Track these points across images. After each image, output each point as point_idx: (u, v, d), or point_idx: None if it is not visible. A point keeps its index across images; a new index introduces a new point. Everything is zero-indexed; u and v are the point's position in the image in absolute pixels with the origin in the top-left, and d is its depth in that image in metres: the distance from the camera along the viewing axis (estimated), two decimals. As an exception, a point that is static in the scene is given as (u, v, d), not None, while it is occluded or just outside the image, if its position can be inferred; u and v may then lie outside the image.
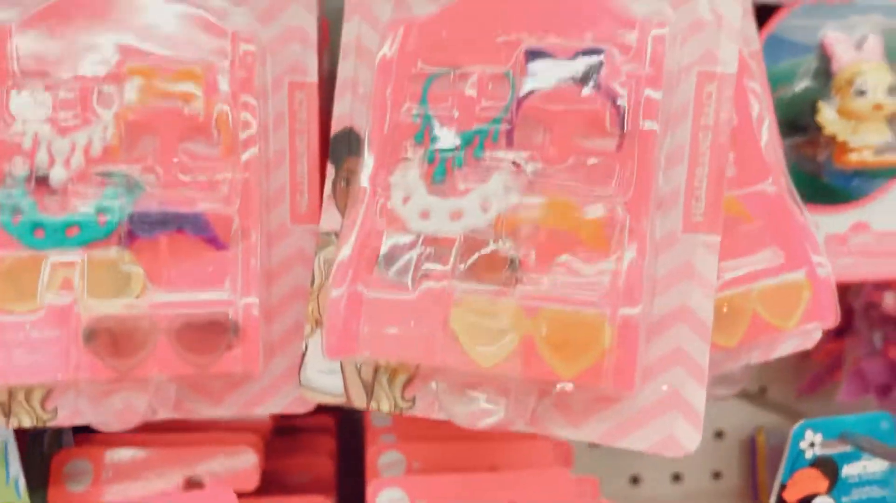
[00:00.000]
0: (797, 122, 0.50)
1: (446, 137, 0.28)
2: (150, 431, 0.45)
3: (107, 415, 0.30)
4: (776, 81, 0.50)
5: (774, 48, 0.49)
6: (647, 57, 0.28)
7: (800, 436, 0.49)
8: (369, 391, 0.29)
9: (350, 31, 0.31)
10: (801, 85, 0.50)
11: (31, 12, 0.29)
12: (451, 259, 0.28)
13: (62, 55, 0.29)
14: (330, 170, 0.31)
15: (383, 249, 0.28)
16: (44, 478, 0.42)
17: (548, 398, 0.29)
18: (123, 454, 0.41)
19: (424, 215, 0.28)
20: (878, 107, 0.47)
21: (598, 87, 0.28)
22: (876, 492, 0.52)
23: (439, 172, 0.28)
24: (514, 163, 0.28)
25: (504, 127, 0.28)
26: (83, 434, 0.45)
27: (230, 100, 0.31)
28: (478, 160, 0.28)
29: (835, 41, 0.49)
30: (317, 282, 0.30)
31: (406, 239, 0.28)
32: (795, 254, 0.35)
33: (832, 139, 0.49)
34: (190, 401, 0.33)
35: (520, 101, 0.28)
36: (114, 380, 0.29)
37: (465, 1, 0.29)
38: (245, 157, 0.30)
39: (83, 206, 0.29)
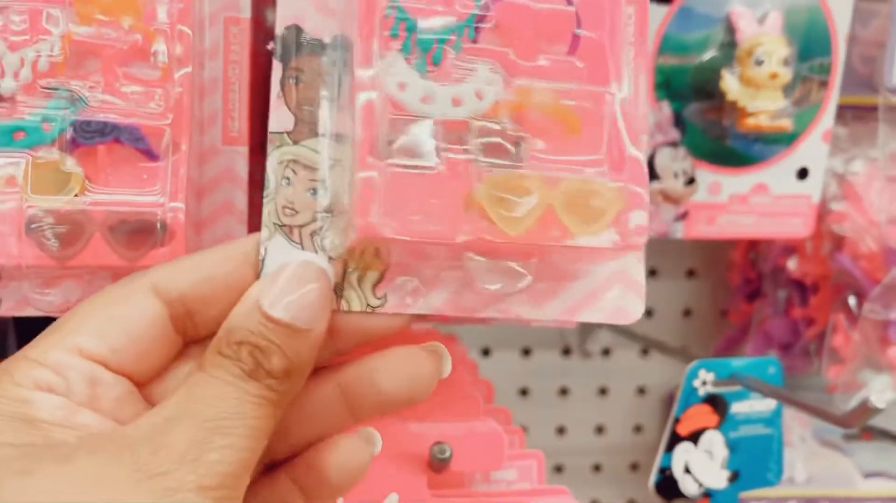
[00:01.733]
0: (705, 88, 0.55)
1: (423, 33, 0.29)
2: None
3: (47, 304, 0.34)
4: (687, 50, 0.54)
5: (685, 19, 0.53)
6: None
7: (693, 375, 0.54)
8: (338, 291, 0.29)
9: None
10: (709, 54, 0.54)
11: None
12: (465, 139, 0.28)
13: (14, -23, 0.32)
14: (277, 68, 0.30)
15: (394, 133, 0.28)
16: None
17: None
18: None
19: (426, 100, 0.29)
20: (773, 75, 0.52)
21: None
22: (762, 429, 0.57)
23: (420, 66, 0.29)
24: (490, 68, 0.29)
25: (477, 24, 0.29)
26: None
27: (167, 28, 0.34)
28: (457, 55, 0.29)
29: (739, 15, 0.53)
30: (272, 184, 0.29)
31: (415, 121, 0.28)
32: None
33: (734, 105, 0.54)
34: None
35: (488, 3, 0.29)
36: (54, 268, 0.33)
37: None
38: (178, 75, 0.34)
39: (30, 114, 0.33)
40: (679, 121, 0.55)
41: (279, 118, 0.30)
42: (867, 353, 0.60)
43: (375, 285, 0.29)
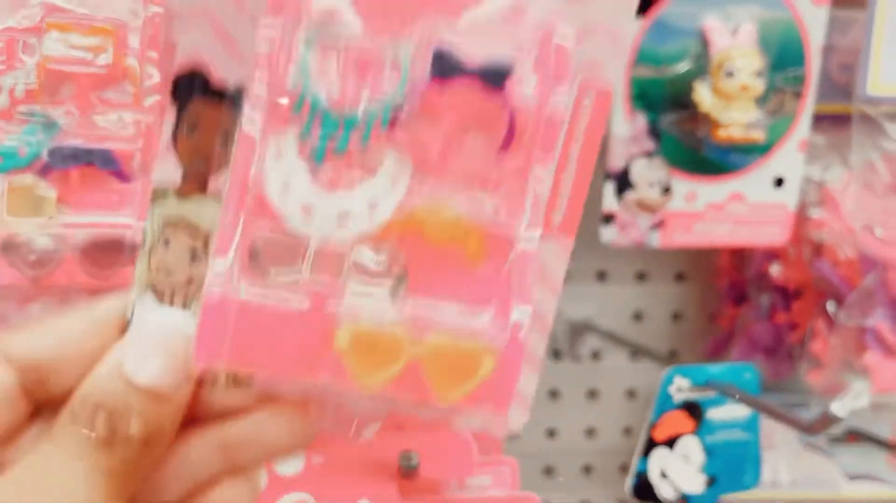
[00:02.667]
0: (679, 100, 0.56)
1: (329, 114, 0.25)
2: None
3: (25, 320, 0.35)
4: (661, 62, 0.55)
5: (660, 32, 0.54)
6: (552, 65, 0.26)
7: (669, 381, 0.55)
8: None
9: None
10: (683, 66, 0.55)
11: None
12: (339, 271, 0.26)
13: (-12, 8, 0.34)
14: (171, 112, 0.27)
15: (262, 250, 0.25)
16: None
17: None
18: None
19: (307, 212, 0.25)
20: (744, 87, 0.53)
21: (501, 94, 0.25)
22: (739, 434, 0.58)
23: (318, 155, 0.26)
24: (398, 161, 0.26)
25: (394, 113, 0.25)
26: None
27: (138, 54, 0.36)
28: (363, 148, 0.25)
29: (712, 28, 0.54)
30: (148, 242, 0.27)
31: (288, 241, 0.25)
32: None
33: (707, 116, 0.55)
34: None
35: (414, 88, 0.25)
36: (28, 288, 0.34)
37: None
38: (148, 102, 0.35)
39: (6, 140, 0.35)
40: (654, 131, 0.56)
41: (165, 170, 0.27)
42: (845, 358, 0.61)
43: None
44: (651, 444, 0.55)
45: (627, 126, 0.56)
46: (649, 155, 0.56)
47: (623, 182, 0.56)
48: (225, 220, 0.25)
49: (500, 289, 0.26)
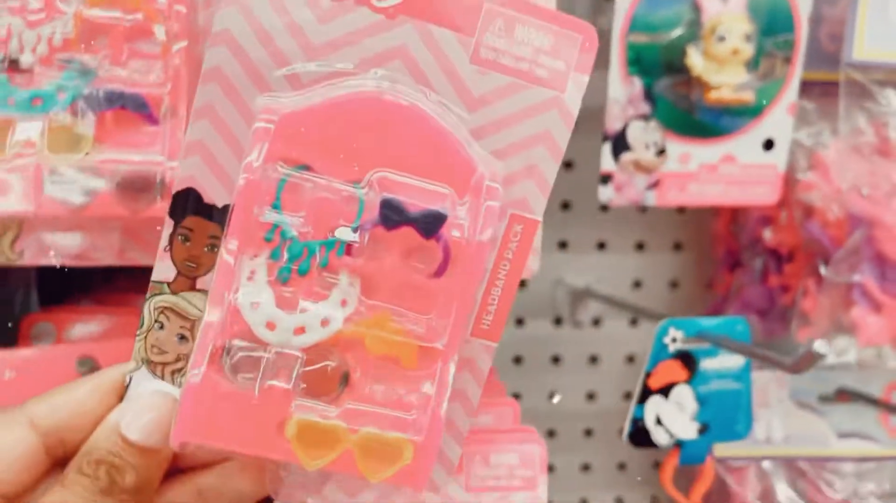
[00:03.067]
0: (673, 64, 0.58)
1: (295, 241, 0.31)
2: (109, 304, 0.53)
3: (64, 249, 0.39)
4: (656, 28, 0.58)
5: (653, 0, 0.57)
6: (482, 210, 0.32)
7: (664, 332, 0.58)
8: None
9: (204, 96, 0.32)
10: (677, 32, 0.58)
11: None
12: (292, 373, 0.31)
13: (32, -37, 0.37)
14: (168, 224, 0.32)
15: (230, 349, 0.31)
16: (13, 338, 0.50)
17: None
18: (84, 315, 0.50)
19: (270, 327, 0.31)
20: (735, 51, 0.56)
21: (436, 237, 0.32)
22: (731, 384, 0.60)
23: (284, 275, 0.31)
24: (350, 283, 0.32)
25: (348, 244, 0.31)
26: (47, 305, 0.53)
27: (166, 8, 0.39)
28: (321, 270, 0.31)
29: (705, -5, 0.57)
30: (146, 325, 0.33)
31: (252, 346, 0.31)
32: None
33: (699, 80, 0.57)
34: (131, 251, 0.41)
35: (365, 226, 0.32)
36: (67, 219, 0.37)
37: (337, 103, 0.31)
38: (175, 49, 0.38)
39: (46, 84, 0.38)
40: (650, 95, 0.59)
41: (162, 270, 0.33)
42: (832, 315, 0.63)
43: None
44: (647, 392, 0.57)
45: (623, 90, 0.58)
46: (645, 118, 0.59)
47: (620, 144, 0.59)
48: (204, 331, 0.31)
49: (427, 389, 0.32)
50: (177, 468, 0.33)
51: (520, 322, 0.84)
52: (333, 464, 0.32)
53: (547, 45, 0.33)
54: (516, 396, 0.85)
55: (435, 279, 0.32)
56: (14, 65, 0.37)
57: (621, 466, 0.88)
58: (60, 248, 0.38)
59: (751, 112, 0.59)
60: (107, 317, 0.49)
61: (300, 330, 0.31)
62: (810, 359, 0.47)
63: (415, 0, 0.32)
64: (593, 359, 0.86)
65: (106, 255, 0.40)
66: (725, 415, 0.60)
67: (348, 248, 0.32)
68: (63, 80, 0.38)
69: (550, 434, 0.86)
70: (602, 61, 0.58)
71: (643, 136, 0.59)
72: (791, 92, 0.59)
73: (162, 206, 0.37)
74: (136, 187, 0.37)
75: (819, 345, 0.46)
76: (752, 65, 0.57)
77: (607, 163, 0.59)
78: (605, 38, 0.58)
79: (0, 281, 0.52)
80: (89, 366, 0.45)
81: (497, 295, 0.35)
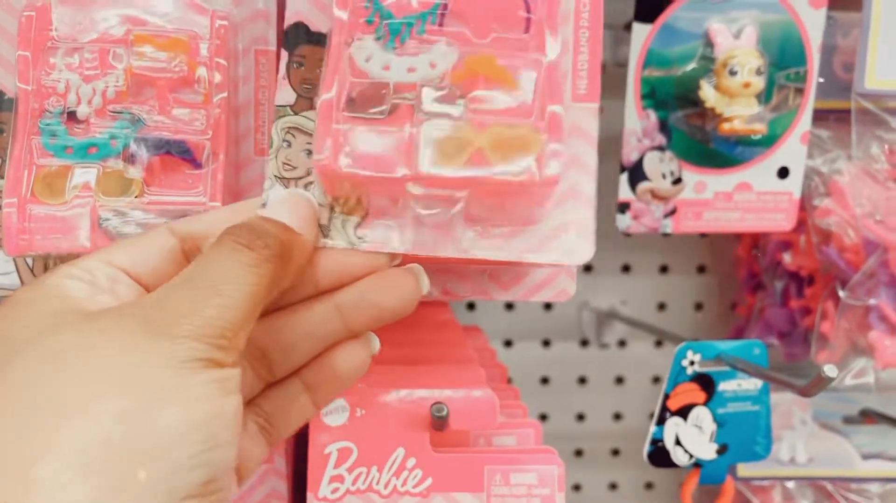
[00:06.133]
0: (688, 97, 0.61)
1: (394, 20, 0.35)
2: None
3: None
4: (670, 63, 0.61)
5: (667, 36, 0.60)
6: None
7: (682, 355, 0.60)
8: (325, 232, 0.35)
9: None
10: (691, 66, 0.60)
11: (66, -6, 0.41)
12: (414, 96, 0.35)
13: (86, 24, 0.41)
14: (284, 55, 0.37)
15: (355, 93, 0.35)
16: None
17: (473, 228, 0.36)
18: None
19: (386, 68, 0.35)
20: (746, 84, 0.58)
21: None
22: (749, 406, 0.62)
23: (389, 44, 0.35)
24: (447, 40, 0.35)
25: (440, 11, 0.35)
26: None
27: (208, 61, 0.42)
28: (420, 36, 0.35)
29: (717, 31, 0.59)
30: (275, 145, 0.36)
31: (373, 83, 0.35)
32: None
33: (713, 111, 0.60)
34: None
35: None
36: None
37: None
38: (216, 99, 0.42)
39: (100, 133, 0.41)
40: (665, 127, 0.61)
41: (283, 95, 0.37)
42: (850, 338, 0.64)
43: (356, 227, 0.35)
44: (666, 413, 0.59)
45: (639, 123, 0.61)
46: (661, 149, 0.61)
47: (637, 174, 0.62)
48: (325, 79, 0.35)
49: (536, 95, 0.35)
50: (316, 288, 0.34)
51: (546, 343, 0.87)
52: (467, 164, 0.34)
53: None
54: (543, 417, 0.87)
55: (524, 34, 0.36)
56: (72, 116, 0.41)
57: (648, 485, 0.89)
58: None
59: (764, 142, 0.61)
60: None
61: (411, 69, 0.35)
62: (819, 383, 0.49)
63: None
64: (619, 380, 0.88)
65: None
66: (744, 437, 0.61)
67: (440, 19, 0.35)
68: (115, 128, 0.41)
69: (578, 453, 0.88)
70: (620, 92, 0.61)
71: (659, 165, 0.61)
72: (804, 122, 0.61)
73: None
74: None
75: (828, 369, 0.48)
76: (765, 97, 0.59)
77: (625, 192, 0.62)
78: (623, 69, 0.61)
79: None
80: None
81: (584, 60, 0.38)
